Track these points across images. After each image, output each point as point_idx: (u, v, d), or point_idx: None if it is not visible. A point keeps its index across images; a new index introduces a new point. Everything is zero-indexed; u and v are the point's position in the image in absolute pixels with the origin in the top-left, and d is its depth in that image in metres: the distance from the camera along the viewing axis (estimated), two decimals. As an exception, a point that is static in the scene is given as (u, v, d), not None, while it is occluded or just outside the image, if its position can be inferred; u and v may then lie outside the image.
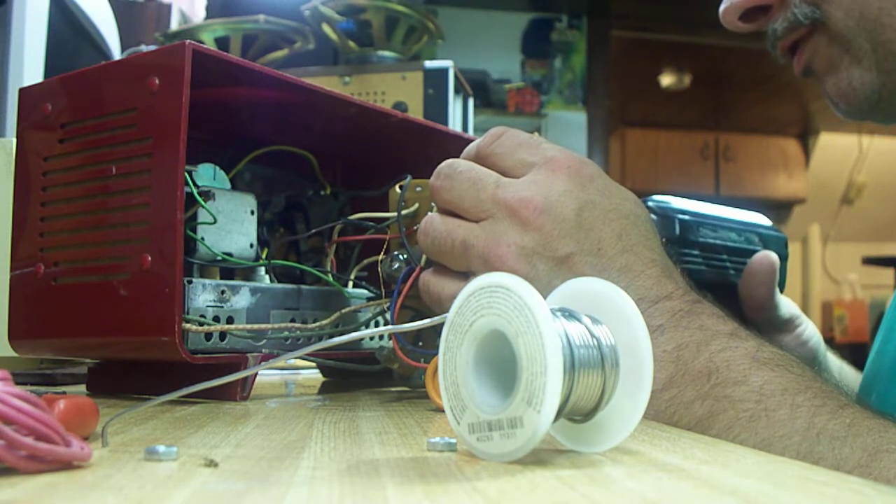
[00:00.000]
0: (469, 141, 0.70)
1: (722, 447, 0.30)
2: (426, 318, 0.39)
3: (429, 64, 1.03)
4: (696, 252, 0.58)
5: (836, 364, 0.68)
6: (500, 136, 0.46)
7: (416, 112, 1.00)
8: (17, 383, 0.23)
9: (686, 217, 0.58)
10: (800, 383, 0.38)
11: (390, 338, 0.60)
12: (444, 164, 0.47)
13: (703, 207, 0.60)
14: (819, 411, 0.36)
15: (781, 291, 0.61)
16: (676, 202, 0.59)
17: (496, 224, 0.43)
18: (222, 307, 0.48)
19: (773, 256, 0.59)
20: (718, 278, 0.59)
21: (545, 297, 0.26)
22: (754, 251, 0.60)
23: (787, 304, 0.63)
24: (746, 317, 0.59)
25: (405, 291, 0.47)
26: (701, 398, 0.38)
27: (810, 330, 0.65)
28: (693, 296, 0.43)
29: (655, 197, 0.58)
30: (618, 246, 0.43)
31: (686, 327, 0.41)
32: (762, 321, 0.60)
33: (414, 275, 0.48)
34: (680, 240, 0.57)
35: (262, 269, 0.55)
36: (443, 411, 0.40)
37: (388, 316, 0.56)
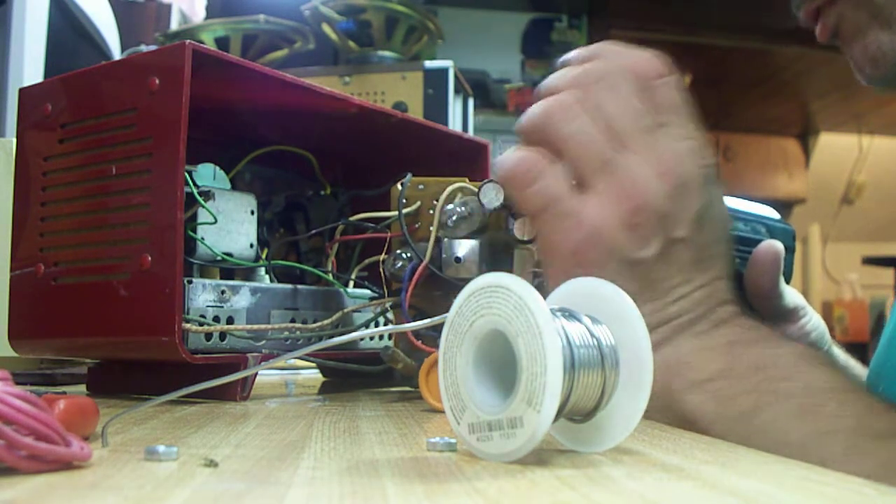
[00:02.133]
0: (469, 141, 0.70)
1: (722, 447, 0.30)
2: (428, 317, 0.39)
3: (429, 64, 1.03)
4: None
5: (842, 357, 0.68)
6: (602, 79, 0.41)
7: (416, 112, 1.00)
8: (17, 383, 0.23)
9: None
10: (847, 383, 0.38)
11: (391, 337, 0.60)
12: (541, 108, 0.42)
13: None
14: (867, 410, 0.37)
15: (787, 282, 0.61)
16: None
17: (601, 188, 0.40)
18: (222, 307, 0.48)
19: (778, 245, 0.59)
20: None
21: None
22: (759, 241, 0.60)
23: (792, 295, 0.63)
24: (751, 306, 0.59)
25: (411, 288, 0.47)
26: (747, 392, 0.38)
27: (815, 321, 0.65)
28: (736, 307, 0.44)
29: None
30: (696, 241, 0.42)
31: (740, 325, 0.41)
32: (766, 310, 0.60)
33: (419, 271, 0.48)
34: None
35: (263, 269, 0.55)
36: (439, 411, 0.40)
37: (389, 315, 0.56)
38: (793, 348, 0.40)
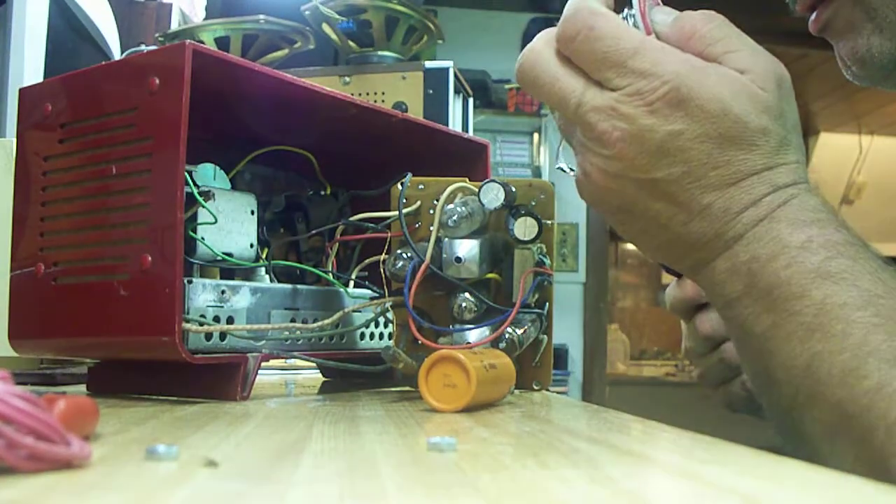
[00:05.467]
0: (469, 141, 0.70)
1: (722, 447, 0.30)
2: (430, 316, 0.39)
3: (429, 64, 1.03)
4: None
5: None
6: (577, 39, 0.42)
7: (416, 112, 1.00)
8: (17, 383, 0.23)
9: None
10: (863, 299, 0.37)
11: (391, 337, 0.60)
12: (524, 64, 0.45)
13: None
14: (875, 330, 0.36)
15: None
16: None
17: (580, 140, 0.43)
18: (222, 307, 0.48)
19: None
20: None
21: None
22: None
23: None
24: None
25: (414, 287, 0.47)
26: (766, 311, 0.39)
27: None
28: (783, 195, 0.41)
29: None
30: (707, 164, 0.41)
31: (760, 239, 0.41)
32: None
33: (420, 270, 0.48)
34: None
35: (263, 269, 0.55)
36: (439, 411, 0.40)
37: (389, 315, 0.56)
38: (810, 263, 0.39)
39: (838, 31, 0.54)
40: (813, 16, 0.55)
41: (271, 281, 0.55)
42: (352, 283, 0.60)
